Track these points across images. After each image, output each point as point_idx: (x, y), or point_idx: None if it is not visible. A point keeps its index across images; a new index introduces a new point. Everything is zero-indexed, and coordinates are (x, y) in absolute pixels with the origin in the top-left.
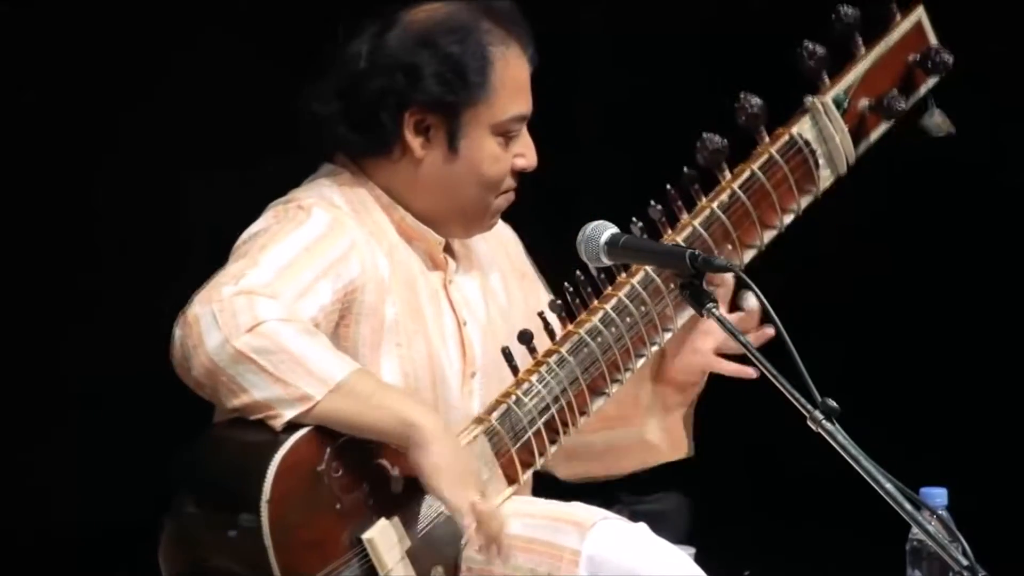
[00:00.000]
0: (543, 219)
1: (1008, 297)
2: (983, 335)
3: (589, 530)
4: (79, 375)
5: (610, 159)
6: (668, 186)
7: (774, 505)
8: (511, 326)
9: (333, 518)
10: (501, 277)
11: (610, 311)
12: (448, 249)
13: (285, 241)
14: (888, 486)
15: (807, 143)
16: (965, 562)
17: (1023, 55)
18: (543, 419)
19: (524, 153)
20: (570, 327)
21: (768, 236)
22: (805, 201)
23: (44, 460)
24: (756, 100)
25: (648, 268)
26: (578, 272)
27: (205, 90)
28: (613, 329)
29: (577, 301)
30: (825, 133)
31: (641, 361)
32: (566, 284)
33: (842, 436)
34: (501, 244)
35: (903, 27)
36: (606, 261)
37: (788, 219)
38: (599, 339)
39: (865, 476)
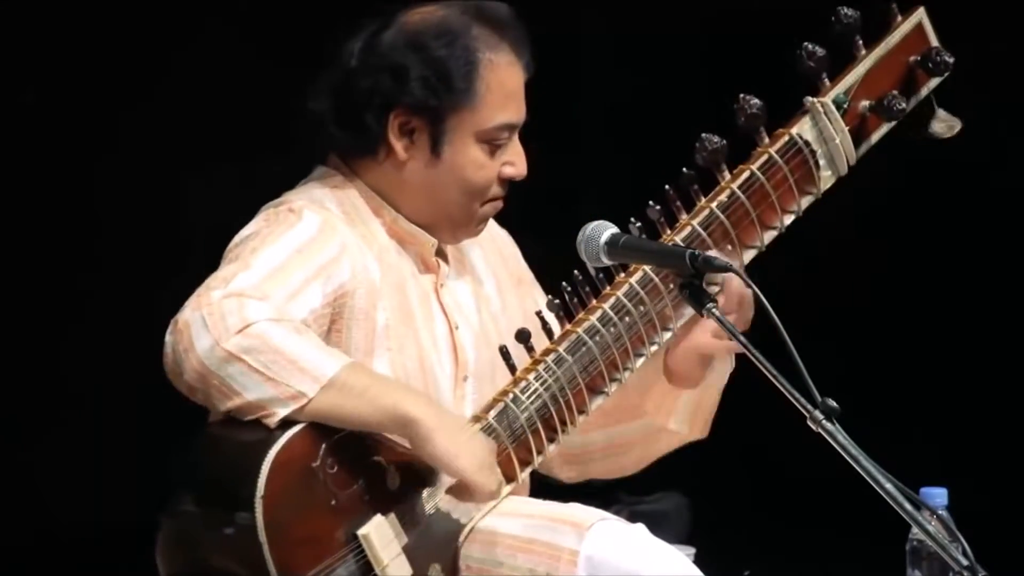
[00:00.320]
0: (543, 219)
1: (1008, 297)
2: (983, 335)
3: (587, 531)
4: (78, 375)
5: (611, 159)
6: (667, 186)
7: (774, 505)
8: (505, 331)
9: (328, 514)
10: (496, 282)
11: (608, 310)
12: (440, 253)
13: (275, 244)
14: (888, 486)
15: (807, 144)
16: (965, 562)
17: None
18: (541, 418)
19: (513, 162)
20: (568, 326)
21: (768, 236)
22: (806, 202)
23: (44, 460)
24: (756, 101)
25: (647, 268)
26: (576, 272)
27: (205, 90)
28: (612, 328)
29: (575, 300)
30: (825, 134)
31: (640, 360)
32: (564, 284)
33: (842, 436)
34: (497, 249)
35: (904, 28)
36: (606, 261)
37: (788, 220)
38: (597, 338)
39: (865, 476)
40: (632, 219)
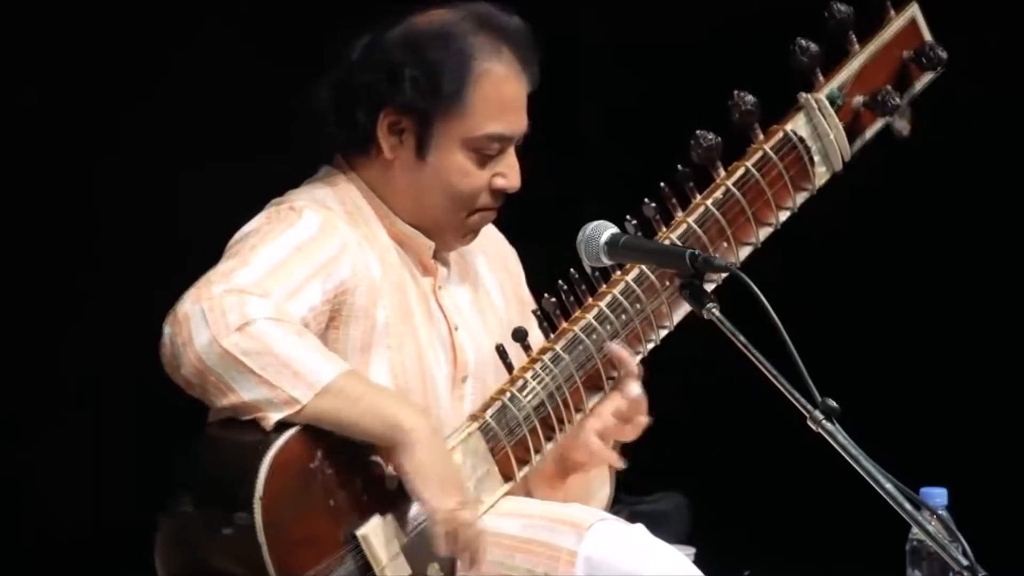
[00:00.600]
0: (543, 220)
1: (1008, 297)
2: (983, 335)
3: (586, 531)
4: (78, 375)
5: (610, 161)
6: (662, 184)
7: (774, 505)
8: (507, 337)
9: (327, 515)
10: (501, 293)
11: (605, 308)
12: (440, 256)
13: (276, 241)
14: (888, 486)
15: (801, 140)
16: (965, 562)
17: (1019, 47)
18: (538, 416)
19: (505, 174)
20: (565, 324)
21: (764, 233)
22: (801, 198)
23: (44, 460)
24: (750, 98)
25: (643, 265)
26: (572, 270)
27: (205, 90)
28: (608, 326)
29: (572, 299)
30: (820, 130)
31: (637, 358)
32: (560, 282)
33: (842, 436)
34: (503, 263)
35: (897, 23)
36: (606, 261)
37: (784, 216)
38: (594, 336)
39: (865, 476)
40: (628, 216)
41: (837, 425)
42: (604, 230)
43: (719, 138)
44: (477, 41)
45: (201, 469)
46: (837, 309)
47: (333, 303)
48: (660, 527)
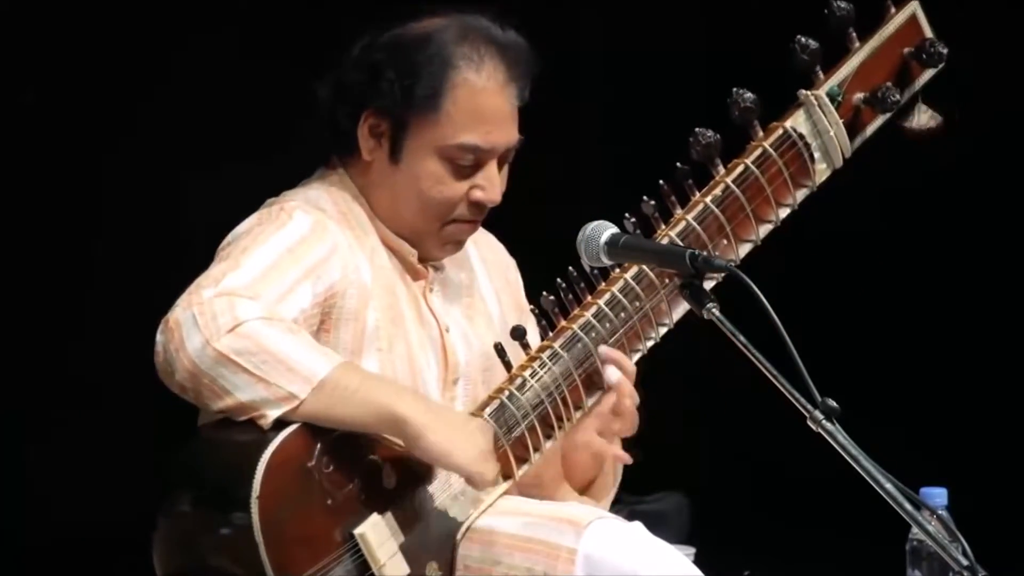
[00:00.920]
0: (544, 220)
1: (1008, 297)
2: (983, 335)
3: (585, 529)
4: (79, 375)
5: (611, 160)
6: (661, 181)
7: (774, 505)
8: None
9: (324, 514)
10: (497, 300)
11: (603, 306)
12: (430, 259)
13: (266, 244)
14: (888, 486)
15: (801, 136)
16: (965, 562)
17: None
18: (537, 414)
19: (483, 186)
20: (563, 322)
21: (764, 230)
22: (801, 195)
23: (45, 460)
24: (749, 95)
25: (643, 264)
26: (571, 268)
27: (205, 90)
28: (607, 324)
29: (570, 297)
30: (819, 126)
31: (636, 356)
32: (559, 280)
33: (842, 436)
34: (503, 273)
35: (897, 20)
36: (606, 261)
37: (784, 213)
38: (593, 334)
39: (865, 476)
40: (627, 214)
41: (837, 425)
42: (604, 230)
43: (718, 135)
44: (460, 50)
45: (198, 469)
46: (837, 309)
47: (323, 306)
48: (660, 527)
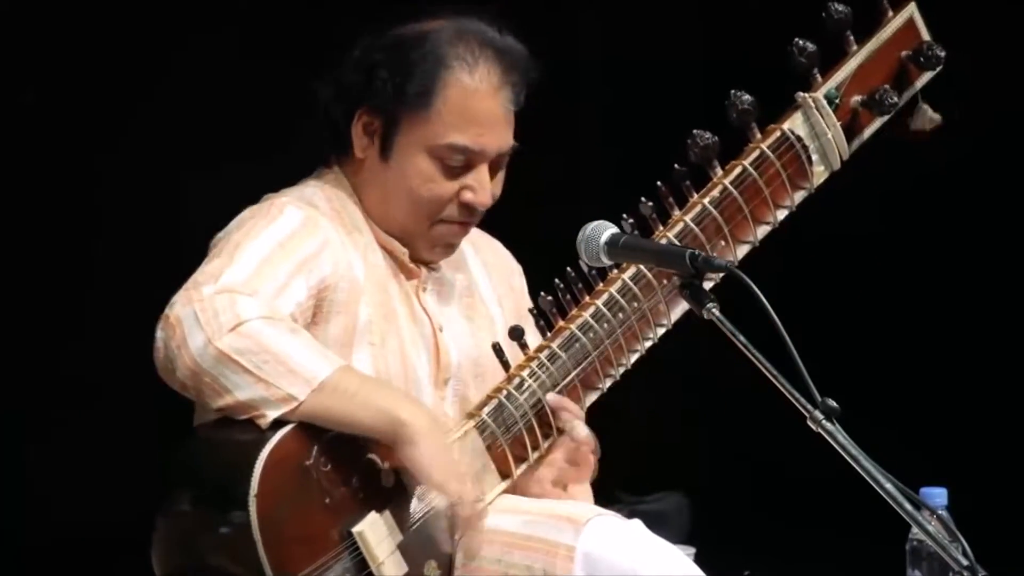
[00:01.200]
0: (544, 220)
1: (1007, 297)
2: (983, 335)
3: (584, 526)
4: (78, 375)
5: (610, 162)
6: (659, 183)
7: (774, 505)
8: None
9: (322, 512)
10: (499, 304)
11: (602, 306)
12: (425, 259)
13: (259, 238)
14: (888, 486)
15: (799, 139)
16: (965, 562)
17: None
18: (536, 414)
19: (474, 188)
20: (561, 323)
21: (762, 231)
22: (799, 196)
23: (44, 460)
24: (747, 97)
25: (640, 264)
26: (568, 268)
27: (205, 90)
28: (605, 324)
29: (568, 297)
30: (817, 129)
31: (635, 356)
32: (557, 280)
33: (842, 436)
34: (507, 278)
35: (895, 23)
36: (606, 261)
37: (782, 214)
38: (591, 334)
39: (865, 476)
40: (624, 215)
41: (837, 425)
42: (604, 230)
43: (716, 137)
44: (454, 51)
45: (197, 468)
46: (837, 309)
47: (315, 299)
48: (660, 527)
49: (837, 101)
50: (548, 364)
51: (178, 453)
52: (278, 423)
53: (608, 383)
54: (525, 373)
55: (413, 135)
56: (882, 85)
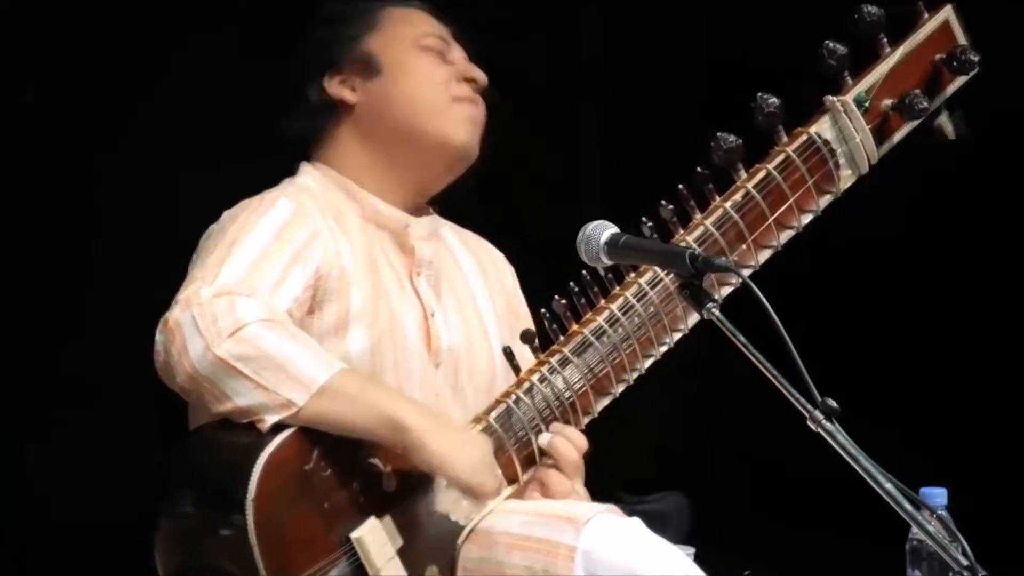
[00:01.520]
0: (545, 220)
1: (1007, 297)
2: (983, 335)
3: (584, 525)
4: (78, 375)
5: (610, 162)
6: (680, 186)
7: (774, 505)
8: (495, 348)
9: (321, 517)
10: (492, 303)
11: (616, 311)
12: (417, 243)
13: (255, 231)
14: (888, 486)
15: (826, 143)
16: (965, 562)
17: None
18: (544, 420)
19: (462, 65)
20: (575, 327)
21: (785, 236)
22: (824, 201)
23: (44, 460)
24: (774, 100)
25: (656, 268)
26: (584, 272)
27: (205, 90)
28: (619, 330)
29: (583, 301)
30: (845, 133)
31: (649, 362)
32: (571, 284)
33: (842, 436)
34: (499, 278)
35: (930, 26)
36: (606, 261)
37: (806, 219)
38: (604, 339)
39: (865, 476)
40: (643, 218)
41: (837, 425)
42: (604, 230)
43: (740, 141)
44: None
45: (198, 470)
46: (837, 309)
47: (311, 288)
48: (660, 527)
49: (867, 105)
50: (559, 369)
51: (179, 454)
52: (279, 426)
53: (621, 388)
54: (535, 378)
55: (381, 50)
56: (913, 89)
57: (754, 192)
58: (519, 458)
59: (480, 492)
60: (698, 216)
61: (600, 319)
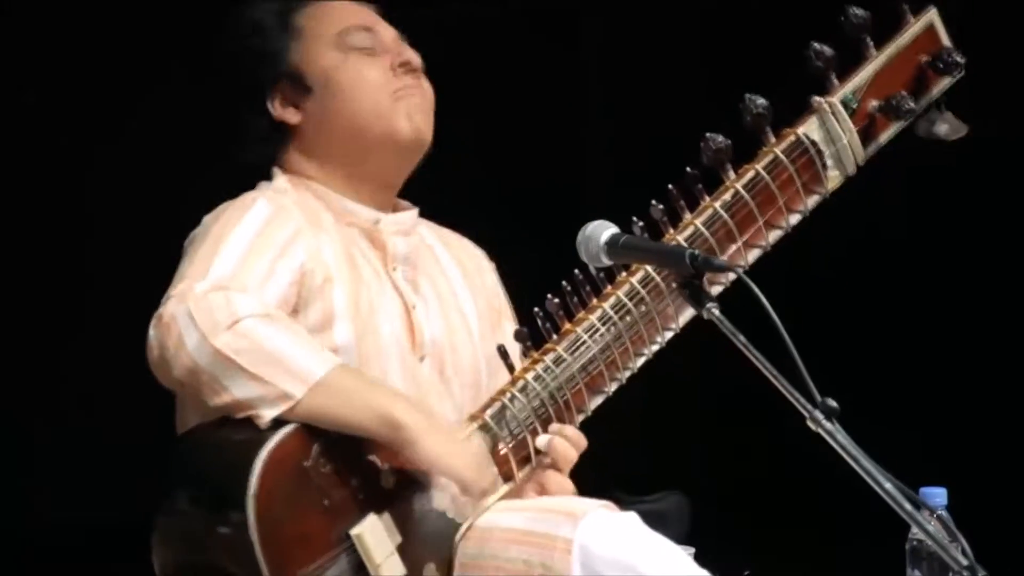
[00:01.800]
0: (544, 220)
1: (1008, 297)
2: (983, 335)
3: (581, 519)
4: (78, 375)
5: (611, 162)
6: (670, 186)
7: (774, 505)
8: (479, 347)
9: (321, 514)
10: (473, 301)
11: (608, 309)
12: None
13: (239, 227)
14: (888, 486)
15: (814, 143)
16: (965, 562)
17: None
18: (539, 418)
19: (394, 51)
20: (568, 325)
21: (774, 236)
22: (812, 202)
23: (44, 460)
24: (761, 101)
25: (648, 267)
26: (577, 271)
27: (205, 91)
28: (612, 328)
29: (575, 299)
30: (833, 134)
31: (641, 360)
32: (564, 283)
33: (842, 436)
34: (480, 276)
35: (915, 28)
36: (606, 261)
37: (795, 219)
38: (597, 337)
39: (865, 476)
40: (634, 218)
41: (837, 425)
42: (604, 230)
43: (729, 141)
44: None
45: (196, 467)
46: (837, 309)
47: (298, 284)
48: (660, 527)
49: (854, 106)
50: (554, 367)
51: (178, 452)
52: (278, 423)
53: (614, 387)
54: (529, 376)
55: (307, 63)
56: (900, 91)
57: (743, 192)
58: (515, 456)
59: (476, 489)
60: (688, 216)
61: (593, 317)
